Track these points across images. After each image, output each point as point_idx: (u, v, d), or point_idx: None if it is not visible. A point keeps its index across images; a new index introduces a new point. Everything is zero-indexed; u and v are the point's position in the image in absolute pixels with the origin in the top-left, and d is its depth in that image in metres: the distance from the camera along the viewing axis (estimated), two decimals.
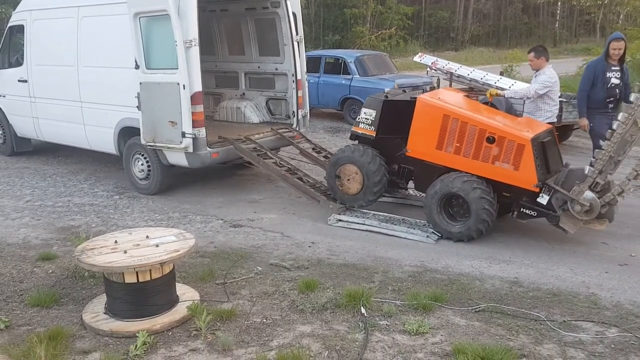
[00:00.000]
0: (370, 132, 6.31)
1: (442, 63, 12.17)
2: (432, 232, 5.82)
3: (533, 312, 4.20)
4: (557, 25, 46.26)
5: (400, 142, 6.16)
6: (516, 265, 5.17)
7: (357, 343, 3.79)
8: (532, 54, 6.62)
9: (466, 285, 4.71)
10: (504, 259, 5.30)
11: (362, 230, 6.07)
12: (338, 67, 12.95)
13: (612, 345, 3.75)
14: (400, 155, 6.22)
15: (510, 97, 7.01)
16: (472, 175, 5.63)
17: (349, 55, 13.32)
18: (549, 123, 6.30)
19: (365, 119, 6.36)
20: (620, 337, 3.85)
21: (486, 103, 7.00)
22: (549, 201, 5.45)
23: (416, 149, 6.02)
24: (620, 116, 5.21)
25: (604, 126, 6.25)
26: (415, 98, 6.04)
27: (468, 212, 5.64)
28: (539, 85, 6.45)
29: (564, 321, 4.08)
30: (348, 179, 6.34)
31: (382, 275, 4.91)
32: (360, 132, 6.42)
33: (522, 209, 5.65)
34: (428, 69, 12.43)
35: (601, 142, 5.39)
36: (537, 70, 6.60)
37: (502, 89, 8.22)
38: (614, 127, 5.21)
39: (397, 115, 6.18)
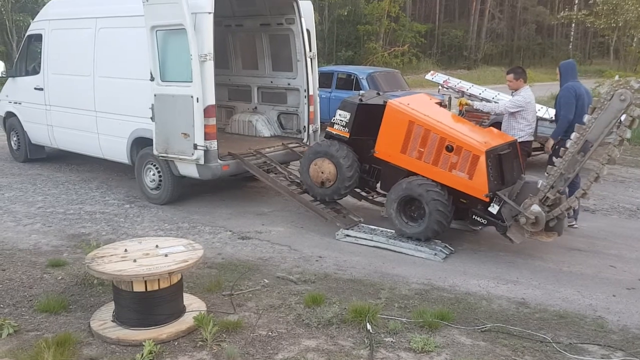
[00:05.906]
0: (345, 133, 6.55)
1: (454, 82, 12.22)
2: (440, 250, 5.83)
3: (539, 334, 4.19)
4: (570, 46, 46.15)
5: (372, 143, 6.38)
6: (523, 285, 5.16)
7: (362, 359, 3.80)
8: (512, 75, 6.81)
9: (473, 305, 4.70)
10: (511, 279, 5.29)
11: (370, 246, 6.08)
12: (350, 82, 13.02)
13: None
14: (371, 156, 6.44)
15: (478, 109, 7.15)
16: (431, 181, 5.86)
17: (361, 71, 13.40)
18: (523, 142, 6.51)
19: (340, 120, 6.58)
20: None
21: (461, 113, 7.23)
22: (499, 211, 5.67)
23: (383, 151, 6.28)
24: (572, 135, 5.36)
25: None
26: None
27: (424, 215, 5.86)
28: (510, 104, 6.71)
29: (570, 343, 4.06)
30: (322, 172, 6.54)
31: (388, 292, 4.92)
32: (335, 132, 6.65)
33: (474, 217, 5.91)
34: (439, 87, 12.48)
35: (554, 159, 5.58)
36: (515, 91, 6.79)
37: (477, 100, 8.29)
38: (567, 145, 5.38)
39: (370, 118, 6.41)
